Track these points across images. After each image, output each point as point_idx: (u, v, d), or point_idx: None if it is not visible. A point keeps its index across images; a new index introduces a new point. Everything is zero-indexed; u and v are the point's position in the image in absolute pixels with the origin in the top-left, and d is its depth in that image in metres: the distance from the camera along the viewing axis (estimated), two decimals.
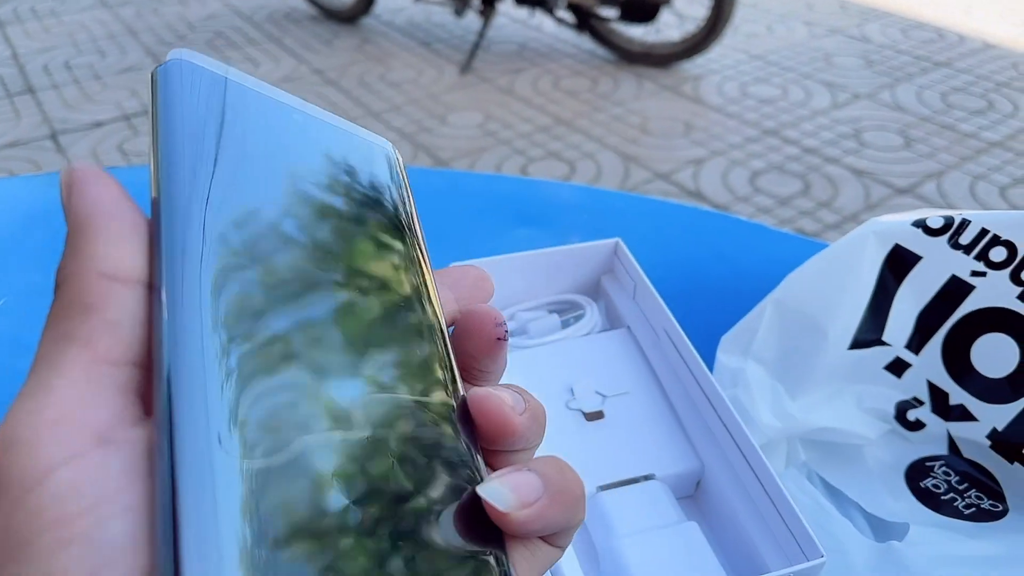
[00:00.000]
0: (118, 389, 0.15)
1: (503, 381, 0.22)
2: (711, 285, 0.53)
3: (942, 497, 0.41)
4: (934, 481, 0.42)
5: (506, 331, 0.21)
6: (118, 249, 0.16)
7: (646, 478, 0.38)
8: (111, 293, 0.16)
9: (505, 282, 0.47)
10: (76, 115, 2.30)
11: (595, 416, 0.41)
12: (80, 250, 0.16)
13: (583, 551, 0.37)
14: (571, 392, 0.42)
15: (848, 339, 0.43)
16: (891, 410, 0.43)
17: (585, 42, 2.70)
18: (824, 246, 0.45)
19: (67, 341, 0.15)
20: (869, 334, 0.43)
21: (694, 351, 0.40)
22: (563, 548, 0.20)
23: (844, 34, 2.81)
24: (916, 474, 0.42)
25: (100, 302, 0.15)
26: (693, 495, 0.40)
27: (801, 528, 0.33)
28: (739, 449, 0.37)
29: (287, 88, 2.45)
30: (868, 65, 2.57)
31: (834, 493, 0.41)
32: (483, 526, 0.19)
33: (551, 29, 2.82)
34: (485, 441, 0.20)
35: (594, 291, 0.50)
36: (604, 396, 0.42)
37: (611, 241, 0.48)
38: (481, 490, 0.18)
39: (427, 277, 0.22)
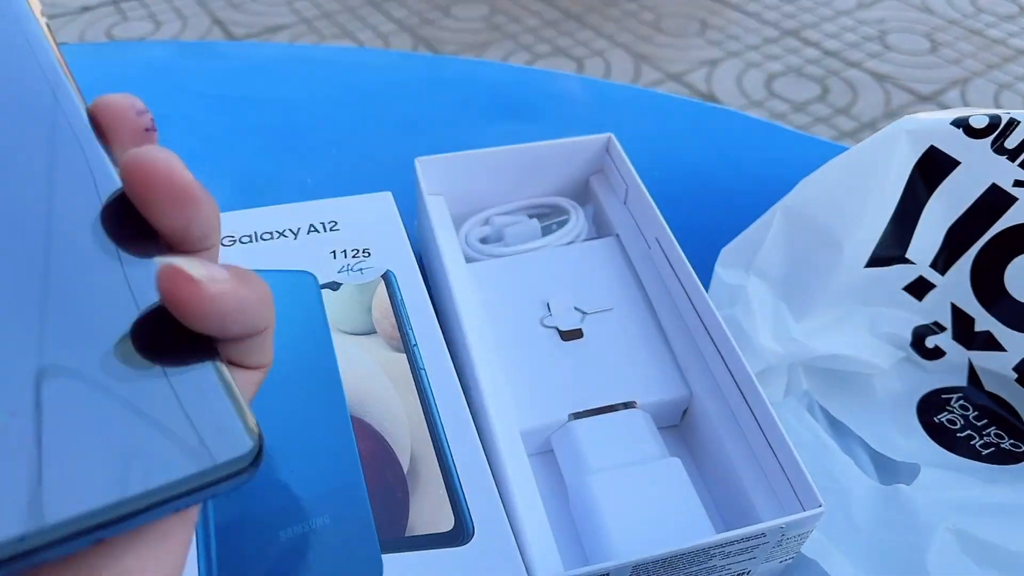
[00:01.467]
0: None
1: None
2: (715, 191, 0.48)
3: (957, 434, 0.36)
4: (949, 416, 0.37)
5: (152, 120, 0.17)
6: None
7: (626, 406, 0.34)
8: None
9: (481, 181, 0.41)
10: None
11: (572, 335, 0.36)
12: None
13: (551, 486, 0.33)
14: (547, 308, 0.37)
15: (866, 255, 0.37)
16: (907, 336, 0.38)
17: None
18: (844, 149, 0.39)
19: None
20: (891, 250, 0.38)
21: (687, 263, 0.35)
22: (262, 369, 0.18)
23: None
24: (930, 407, 0.37)
25: None
26: (678, 425, 0.36)
27: (798, 472, 0.28)
28: (732, 376, 0.32)
29: None
30: None
31: (837, 427, 0.36)
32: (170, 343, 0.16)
33: None
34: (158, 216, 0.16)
35: (582, 194, 0.44)
36: (584, 313, 0.37)
37: (602, 136, 0.42)
38: (166, 262, 0.15)
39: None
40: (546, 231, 0.42)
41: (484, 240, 0.42)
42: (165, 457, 0.14)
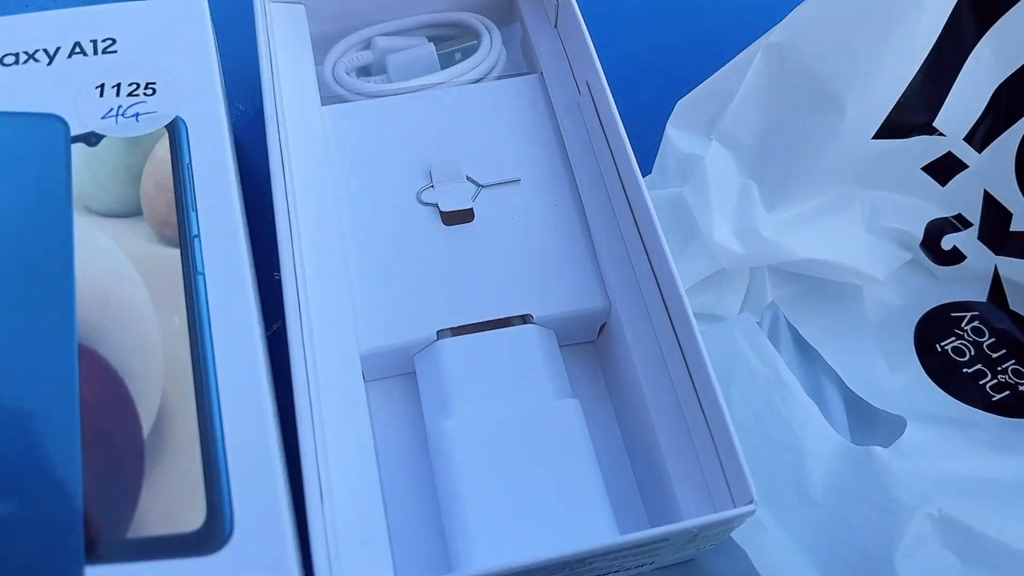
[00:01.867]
0: None
1: None
2: (680, 14, 0.35)
3: (964, 369, 0.27)
4: (957, 343, 0.28)
5: None
6: None
7: (523, 320, 0.25)
8: None
9: None
10: None
11: (459, 217, 0.26)
12: None
13: (409, 428, 0.24)
14: (428, 176, 0.27)
15: (877, 120, 0.27)
16: (919, 232, 0.29)
17: None
18: None
19: None
20: (913, 114, 0.27)
21: (619, 121, 0.25)
22: None
23: None
24: (933, 330, 0.28)
25: None
26: (594, 342, 0.27)
27: (733, 455, 0.20)
28: (660, 292, 0.23)
29: None
30: None
31: (806, 356, 0.27)
32: None
33: None
34: None
35: (502, 11, 0.32)
36: (479, 186, 0.27)
37: None
38: None
39: None
40: (446, 61, 0.31)
41: (362, 72, 0.31)
42: None
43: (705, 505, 0.21)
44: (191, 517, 0.18)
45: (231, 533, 0.18)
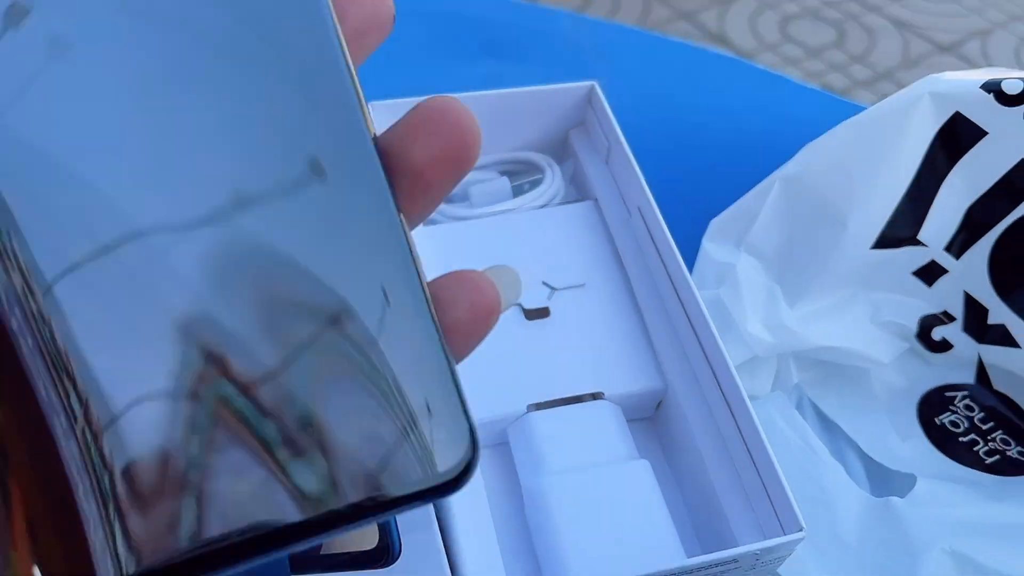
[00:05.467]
0: None
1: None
2: (710, 151, 0.43)
3: (960, 438, 0.33)
4: (953, 417, 0.33)
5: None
6: None
7: (593, 396, 0.30)
8: None
9: None
10: None
11: (538, 314, 0.32)
12: None
13: (504, 486, 0.29)
14: None
15: (874, 234, 0.33)
16: (913, 326, 0.35)
17: None
18: (859, 109, 0.35)
19: None
20: (902, 229, 0.33)
21: (669, 237, 0.31)
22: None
23: None
24: (932, 407, 0.34)
25: None
26: (652, 418, 0.32)
27: (780, 489, 0.25)
28: (711, 370, 0.29)
29: None
30: None
31: (828, 428, 0.33)
32: None
33: None
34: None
35: (559, 149, 0.40)
36: (553, 289, 0.33)
37: (584, 85, 0.37)
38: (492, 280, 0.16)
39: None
40: (517, 192, 0.37)
41: (447, 199, 0.37)
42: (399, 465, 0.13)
43: (760, 538, 0.26)
44: (366, 538, 0.23)
45: (399, 551, 0.22)
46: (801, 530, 0.24)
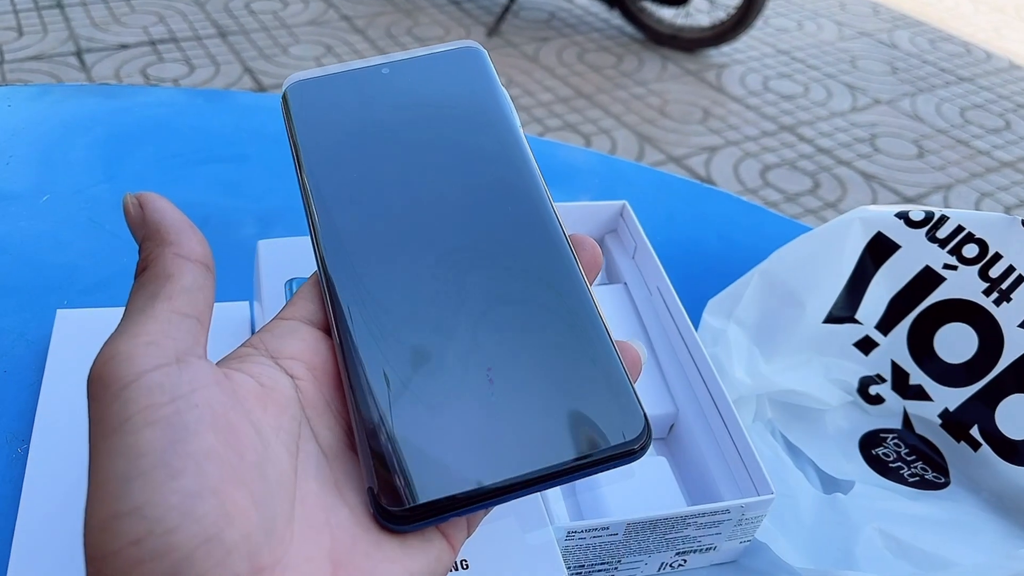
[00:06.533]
0: (188, 330, 0.21)
1: None
2: (706, 254, 0.57)
3: (890, 464, 0.45)
4: (885, 450, 0.46)
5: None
6: (187, 239, 0.22)
7: None
8: (184, 268, 0.21)
9: None
10: (102, 35, 2.32)
11: None
12: (161, 240, 0.22)
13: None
14: None
15: (823, 313, 0.46)
16: (854, 383, 0.47)
17: (615, 18, 2.71)
18: (812, 229, 0.49)
19: (154, 297, 0.21)
20: (843, 311, 0.47)
21: (682, 308, 0.44)
22: None
23: (873, 38, 2.81)
24: (869, 442, 0.46)
25: (177, 273, 0.21)
26: (666, 438, 0.44)
27: (757, 468, 0.37)
28: (712, 398, 0.41)
29: (313, 32, 2.46)
30: (892, 72, 2.59)
31: (793, 450, 0.45)
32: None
33: (583, 1, 2.82)
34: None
35: None
36: None
37: (618, 203, 0.51)
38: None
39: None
40: None
41: None
42: (588, 432, 0.21)
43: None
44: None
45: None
46: (772, 493, 0.36)
